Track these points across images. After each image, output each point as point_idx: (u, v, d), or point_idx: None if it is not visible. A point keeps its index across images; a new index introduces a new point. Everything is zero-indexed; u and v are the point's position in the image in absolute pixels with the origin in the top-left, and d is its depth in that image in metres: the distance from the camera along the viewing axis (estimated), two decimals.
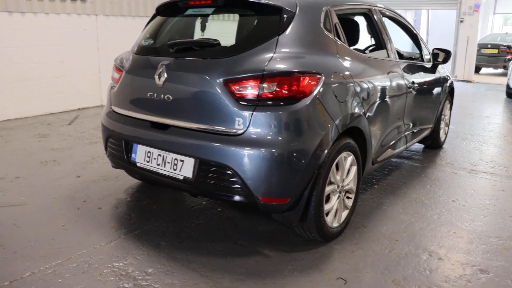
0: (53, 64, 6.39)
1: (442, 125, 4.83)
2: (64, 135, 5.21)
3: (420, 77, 3.89)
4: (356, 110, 2.70)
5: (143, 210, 3.11)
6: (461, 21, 11.65)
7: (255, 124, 2.28)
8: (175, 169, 2.53)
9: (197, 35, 3.02)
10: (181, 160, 2.51)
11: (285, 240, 2.70)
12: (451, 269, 2.42)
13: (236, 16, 2.92)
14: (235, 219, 2.99)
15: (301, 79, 2.30)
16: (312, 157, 2.33)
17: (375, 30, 3.40)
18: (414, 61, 3.99)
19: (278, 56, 2.36)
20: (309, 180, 2.36)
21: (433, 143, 4.78)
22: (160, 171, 2.60)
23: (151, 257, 2.47)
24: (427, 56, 4.26)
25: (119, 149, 2.85)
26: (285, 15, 2.49)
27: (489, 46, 13.42)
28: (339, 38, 2.77)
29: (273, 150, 2.26)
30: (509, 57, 13.27)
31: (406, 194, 3.55)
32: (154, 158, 2.64)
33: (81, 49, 6.69)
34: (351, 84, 2.68)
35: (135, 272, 2.30)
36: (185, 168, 2.48)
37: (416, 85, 3.71)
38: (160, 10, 3.02)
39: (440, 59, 4.18)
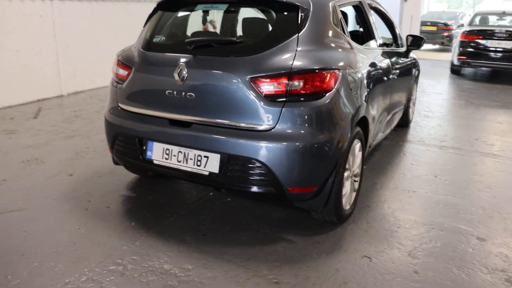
0: (9, 54, 5.95)
1: (411, 104, 5.20)
2: (33, 129, 4.95)
3: (399, 63, 4.16)
4: (364, 100, 2.88)
5: (153, 206, 3.11)
6: (405, 0, 12.25)
7: (284, 120, 2.38)
8: (199, 165, 2.57)
9: (206, 31, 3.02)
10: (205, 156, 2.55)
11: (302, 225, 2.86)
12: (458, 240, 2.72)
13: (251, 13, 2.95)
14: (247, 207, 3.09)
15: (326, 75, 2.42)
16: (336, 147, 2.48)
17: (365, 21, 3.58)
18: (395, 48, 4.24)
19: (301, 54, 2.45)
20: (333, 169, 2.52)
21: (403, 122, 5.14)
22: (182, 168, 2.63)
23: (182, 252, 2.52)
24: (400, 41, 4.54)
25: (131, 147, 2.82)
26: (302, 13, 2.57)
27: (429, 23, 14.28)
28: (344, 32, 2.91)
29: (302, 143, 2.38)
30: (446, 34, 14.24)
31: (393, 172, 3.84)
32: (174, 155, 2.65)
33: (37, 37, 6.28)
34: (359, 76, 2.84)
35: (174, 270, 2.35)
36: (211, 163, 2.54)
37: (397, 71, 3.97)
38: (164, 5, 2.96)
39: (413, 44, 4.47)
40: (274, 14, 2.64)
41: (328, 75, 2.44)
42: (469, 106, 6.58)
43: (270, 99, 2.39)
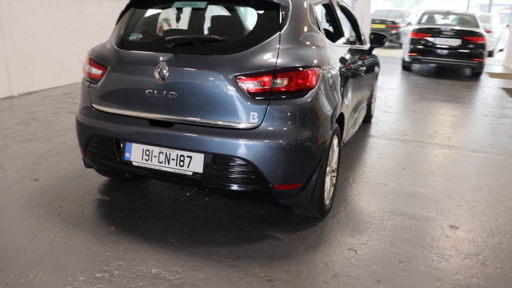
0: None
1: (373, 100, 5.40)
2: None
3: (365, 60, 4.30)
4: (340, 97, 2.95)
5: (130, 209, 3.02)
6: None
7: (269, 117, 2.39)
8: (181, 166, 2.53)
9: (184, 28, 2.95)
10: (188, 156, 2.51)
11: (284, 221, 2.89)
12: (433, 229, 2.87)
13: (230, 10, 2.92)
14: (226, 206, 3.08)
15: (309, 72, 2.45)
16: (320, 144, 2.53)
17: (335, 19, 3.66)
18: (360, 46, 4.37)
19: (284, 52, 2.47)
20: (317, 165, 2.57)
21: (366, 117, 5.33)
22: (163, 169, 2.57)
23: (169, 255, 2.47)
24: (363, 38, 4.69)
25: (107, 148, 2.72)
26: (282, 11, 2.59)
27: (378, 21, 14.84)
28: (320, 30, 2.96)
29: (288, 141, 2.40)
30: (394, 31, 14.87)
31: (363, 166, 3.97)
32: (155, 156, 2.59)
33: None
34: (335, 73, 2.91)
35: (163, 273, 2.30)
36: (194, 163, 2.50)
37: (364, 67, 4.11)
38: (137, 2, 2.87)
39: (376, 42, 4.63)
40: (253, 12, 2.64)
41: (311, 72, 2.48)
42: (424, 100, 6.93)
43: (255, 97, 2.39)
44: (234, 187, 2.49)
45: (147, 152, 2.61)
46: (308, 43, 2.69)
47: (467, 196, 3.39)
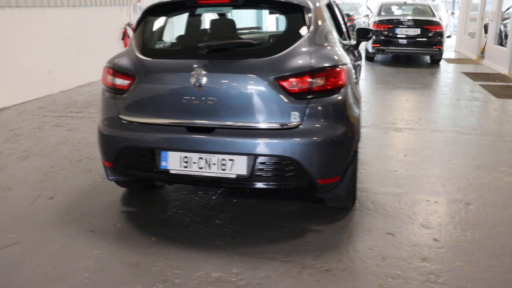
0: None
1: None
2: None
3: (355, 54, 4.49)
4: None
5: (162, 218, 3.01)
6: None
7: (310, 116, 2.49)
8: (223, 170, 2.57)
9: (209, 33, 2.97)
10: (230, 160, 2.56)
11: (317, 214, 3.01)
12: (453, 208, 3.10)
13: (255, 14, 2.97)
14: (256, 205, 3.15)
15: (340, 71, 2.57)
16: (355, 136, 2.67)
17: (335, 17, 3.81)
18: (351, 41, 4.56)
19: (315, 52, 2.57)
20: (352, 157, 2.71)
21: None
22: (204, 174, 2.60)
23: (222, 258, 2.51)
24: (351, 33, 4.89)
25: (142, 159, 2.71)
26: (307, 13, 2.69)
27: None
28: (333, 29, 3.09)
29: (328, 137, 2.52)
30: (349, 24, 15.36)
31: (366, 156, 4.17)
32: (194, 162, 2.61)
33: None
34: (353, 70, 3.06)
35: (225, 276, 2.34)
36: (237, 166, 2.55)
37: (357, 62, 4.30)
38: (155, 10, 2.86)
39: (363, 37, 4.84)
40: (280, 15, 2.72)
41: (342, 71, 2.60)
42: (398, 89, 7.29)
43: (295, 97, 2.48)
44: (280, 185, 2.57)
45: (186, 159, 2.62)
46: (331, 42, 2.81)
47: (471, 175, 3.66)
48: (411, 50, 9.44)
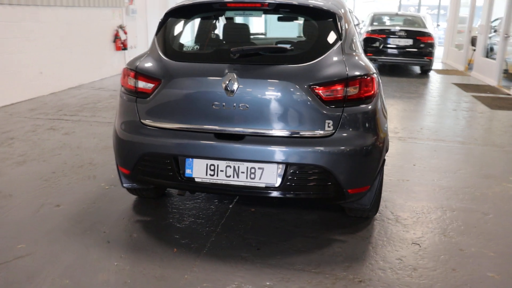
0: None
1: None
2: None
3: None
4: None
5: (181, 228, 2.89)
6: None
7: (344, 124, 2.44)
8: (252, 178, 2.49)
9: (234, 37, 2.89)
10: (260, 168, 2.48)
11: (338, 224, 2.95)
12: (472, 217, 3.10)
13: (286, 20, 2.91)
14: (275, 215, 3.07)
15: (372, 79, 2.54)
16: (385, 145, 2.64)
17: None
18: None
19: (348, 60, 2.53)
20: (381, 166, 2.67)
21: None
22: (231, 183, 2.52)
23: (251, 270, 2.42)
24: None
25: (164, 166, 2.60)
26: (339, 20, 2.65)
27: None
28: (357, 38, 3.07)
29: (361, 146, 2.47)
30: None
31: None
32: (221, 171, 2.52)
33: None
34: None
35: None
36: (267, 175, 2.48)
37: None
38: (180, 12, 2.76)
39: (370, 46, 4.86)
40: (312, 22, 2.68)
41: (374, 79, 2.57)
42: (393, 98, 7.36)
43: (330, 105, 2.43)
44: (310, 195, 2.51)
45: (212, 167, 2.53)
46: (357, 50, 2.78)
47: (481, 185, 3.69)
48: (403, 60, 9.57)
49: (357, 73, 2.48)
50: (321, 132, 2.43)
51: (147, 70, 2.65)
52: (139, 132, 2.65)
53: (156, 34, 2.83)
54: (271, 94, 2.44)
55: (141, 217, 3.05)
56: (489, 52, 9.90)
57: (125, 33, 9.55)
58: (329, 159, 2.42)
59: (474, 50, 10.41)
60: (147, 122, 2.64)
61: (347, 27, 2.74)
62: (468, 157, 4.43)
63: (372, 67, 2.69)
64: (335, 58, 2.52)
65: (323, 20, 2.66)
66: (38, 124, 5.37)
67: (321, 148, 2.42)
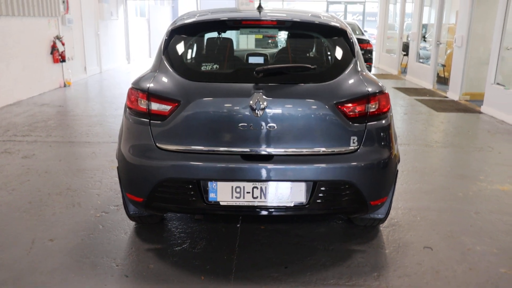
0: None
1: None
2: None
3: None
4: None
5: (198, 254, 2.77)
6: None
7: (367, 139, 2.52)
8: (280, 198, 2.48)
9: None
10: (288, 188, 2.48)
11: (349, 234, 3.03)
12: (452, 221, 3.34)
13: (298, 37, 2.90)
14: (286, 230, 3.08)
15: (387, 95, 2.65)
16: (398, 158, 2.76)
17: None
18: None
19: (364, 78, 2.62)
20: (396, 177, 2.79)
21: None
22: (259, 204, 2.48)
23: None
24: None
25: (186, 192, 2.49)
26: (349, 38, 2.73)
27: None
28: None
29: (382, 159, 2.57)
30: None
31: None
32: (248, 192, 2.48)
33: None
34: None
35: None
36: (295, 193, 2.48)
37: None
38: (189, 29, 2.66)
39: None
40: (324, 39, 2.72)
41: (387, 95, 2.68)
42: None
43: (355, 122, 2.49)
44: (337, 210, 2.55)
45: (238, 189, 2.47)
46: (365, 67, 2.88)
47: (460, 185, 4.00)
48: None
49: (376, 90, 2.57)
50: (348, 148, 2.49)
51: (163, 91, 2.51)
52: (155, 157, 2.50)
53: (163, 52, 2.69)
54: (298, 113, 2.45)
55: (150, 245, 2.88)
56: (417, 58, 10.74)
57: (63, 44, 8.93)
58: (355, 174, 2.49)
59: (405, 55, 11.24)
60: (165, 146, 2.50)
61: (355, 42, 2.83)
62: (436, 159, 4.78)
63: (381, 83, 2.81)
64: (353, 76, 2.60)
65: (337, 38, 2.73)
66: None
67: (348, 163, 2.47)
